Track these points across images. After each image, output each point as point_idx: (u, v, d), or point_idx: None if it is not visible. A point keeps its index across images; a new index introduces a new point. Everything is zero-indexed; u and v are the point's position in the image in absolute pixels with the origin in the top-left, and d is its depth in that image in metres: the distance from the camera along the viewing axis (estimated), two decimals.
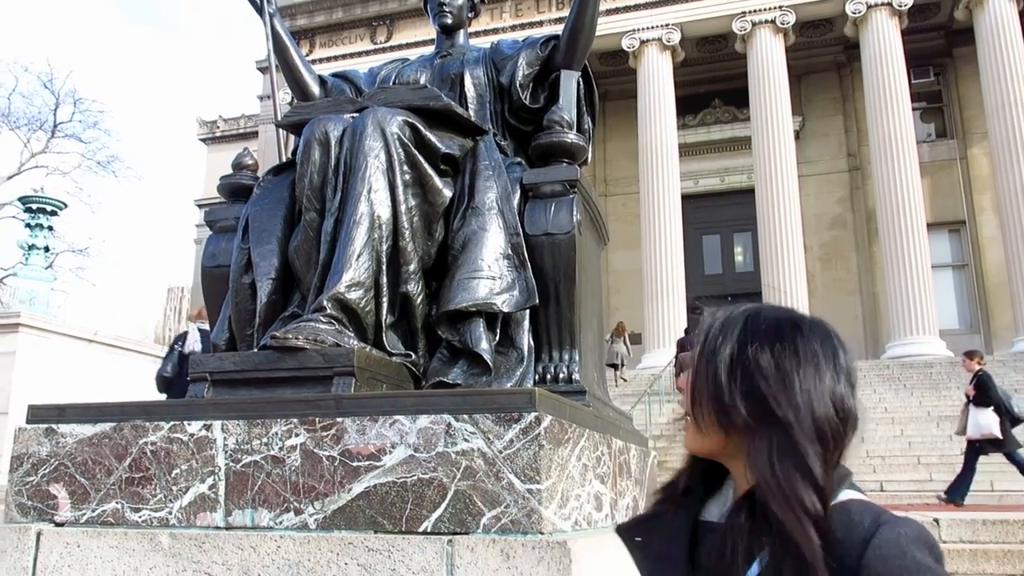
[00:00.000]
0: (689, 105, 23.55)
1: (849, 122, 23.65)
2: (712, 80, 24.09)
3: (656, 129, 21.25)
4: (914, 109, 21.09)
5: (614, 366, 18.43)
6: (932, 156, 22.38)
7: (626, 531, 1.22)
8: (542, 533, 2.18)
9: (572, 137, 3.35)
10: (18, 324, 11.29)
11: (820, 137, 23.70)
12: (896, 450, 12.00)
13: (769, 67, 20.81)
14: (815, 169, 23.24)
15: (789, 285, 19.34)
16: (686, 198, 21.87)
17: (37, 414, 2.77)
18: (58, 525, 2.61)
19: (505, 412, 2.31)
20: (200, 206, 33.55)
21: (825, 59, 23.91)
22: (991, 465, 10.77)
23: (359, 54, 23.80)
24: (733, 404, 1.05)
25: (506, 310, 3.02)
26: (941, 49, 22.99)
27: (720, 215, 23.91)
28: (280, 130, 3.83)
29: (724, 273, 24.23)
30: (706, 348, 1.10)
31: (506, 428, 2.29)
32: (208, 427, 2.54)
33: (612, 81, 24.42)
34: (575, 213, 3.17)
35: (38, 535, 2.56)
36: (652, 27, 21.82)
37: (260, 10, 4.07)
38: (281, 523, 2.40)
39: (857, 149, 23.14)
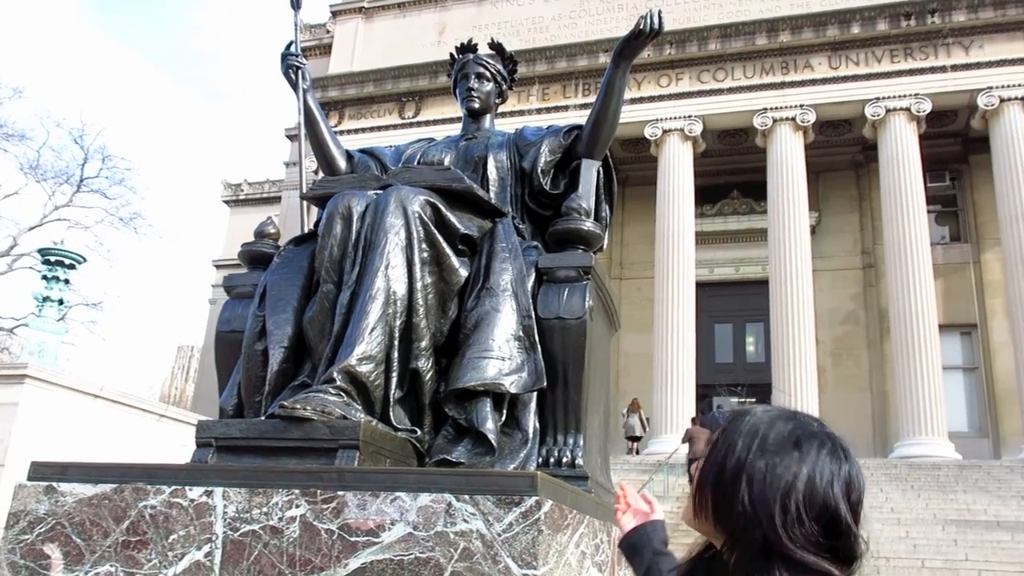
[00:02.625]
0: (707, 194, 23.84)
1: (865, 220, 23.85)
2: (731, 171, 24.42)
3: (674, 216, 21.49)
4: (929, 212, 21.27)
5: (632, 439, 20.49)
6: (946, 259, 22.48)
7: None
8: None
9: (588, 225, 3.41)
10: (24, 375, 11.27)
11: (836, 233, 23.88)
12: (901, 552, 11.74)
13: (788, 163, 21.11)
14: (830, 264, 23.34)
15: (800, 379, 19.24)
16: (700, 286, 21.95)
17: (39, 471, 2.77)
18: None
19: (506, 494, 2.30)
20: (218, 267, 33.85)
21: (843, 158, 24.26)
22: (993, 572, 10.53)
23: (387, 127, 24.34)
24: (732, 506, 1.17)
25: (514, 391, 3.04)
26: (958, 155, 23.31)
27: (733, 304, 23.96)
28: (304, 201, 3.92)
29: (735, 362, 24.15)
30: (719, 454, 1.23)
31: (506, 511, 2.28)
32: (209, 493, 2.54)
33: (633, 167, 24.79)
34: (587, 299, 3.20)
35: None
36: (675, 118, 22.26)
37: (295, 85, 4.20)
38: None
39: (872, 247, 23.28)
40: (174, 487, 2.58)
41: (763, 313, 21.44)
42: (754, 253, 23.43)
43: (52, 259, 13.53)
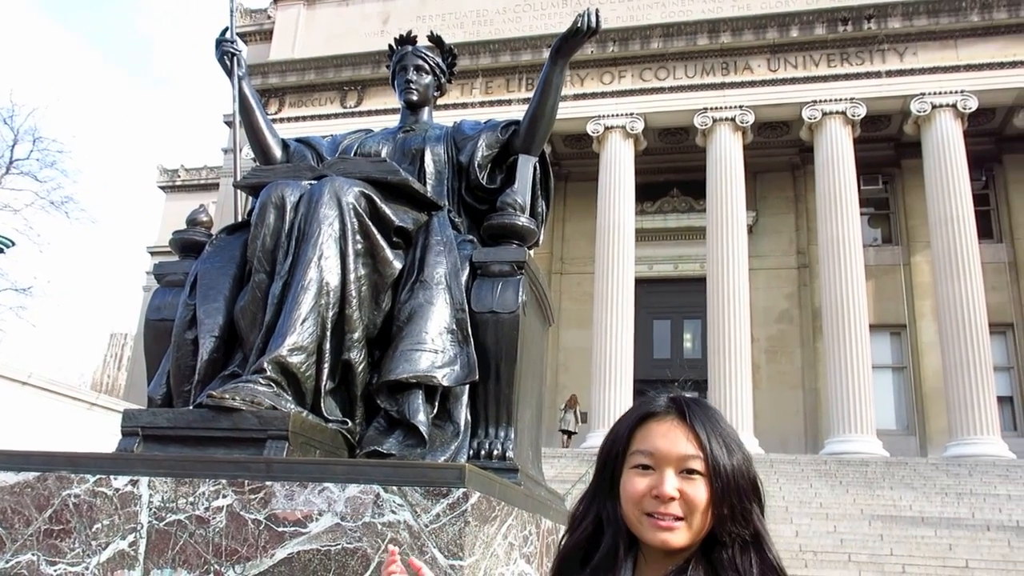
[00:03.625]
0: (648, 192, 24.13)
1: (800, 221, 24.40)
2: (672, 170, 24.75)
3: (615, 213, 21.70)
4: (862, 214, 21.86)
5: (566, 432, 21.18)
6: (878, 260, 23.14)
7: None
8: None
9: (523, 220, 3.45)
10: None
11: (772, 233, 24.38)
12: (828, 546, 12.08)
13: (727, 162, 21.48)
14: (766, 264, 23.83)
15: (735, 376, 19.62)
16: (640, 282, 22.21)
17: None
18: None
19: (434, 486, 2.33)
20: (153, 253, 33.12)
21: (781, 159, 24.77)
22: (917, 566, 10.90)
23: (328, 116, 24.06)
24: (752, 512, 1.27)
25: (446, 384, 3.06)
26: (891, 159, 23.99)
27: (672, 301, 24.30)
28: (237, 190, 3.88)
29: (672, 358, 24.51)
30: (722, 465, 1.27)
31: (434, 502, 2.31)
32: (135, 483, 2.51)
33: (575, 163, 24.97)
34: (521, 293, 3.24)
35: None
36: (617, 115, 22.45)
37: (230, 72, 4.16)
38: None
39: (807, 247, 23.82)
40: (99, 476, 2.55)
41: (701, 310, 21.80)
42: (692, 251, 23.80)
43: None
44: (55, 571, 2.48)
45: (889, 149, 23.77)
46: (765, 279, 23.61)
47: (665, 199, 25.01)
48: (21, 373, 12.18)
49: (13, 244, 13.72)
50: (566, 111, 22.23)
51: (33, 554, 2.52)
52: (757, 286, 22.61)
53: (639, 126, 22.43)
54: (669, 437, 1.27)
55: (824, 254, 20.53)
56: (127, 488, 2.52)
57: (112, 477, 2.54)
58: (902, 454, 19.09)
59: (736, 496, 1.25)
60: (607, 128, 22.46)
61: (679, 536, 1.24)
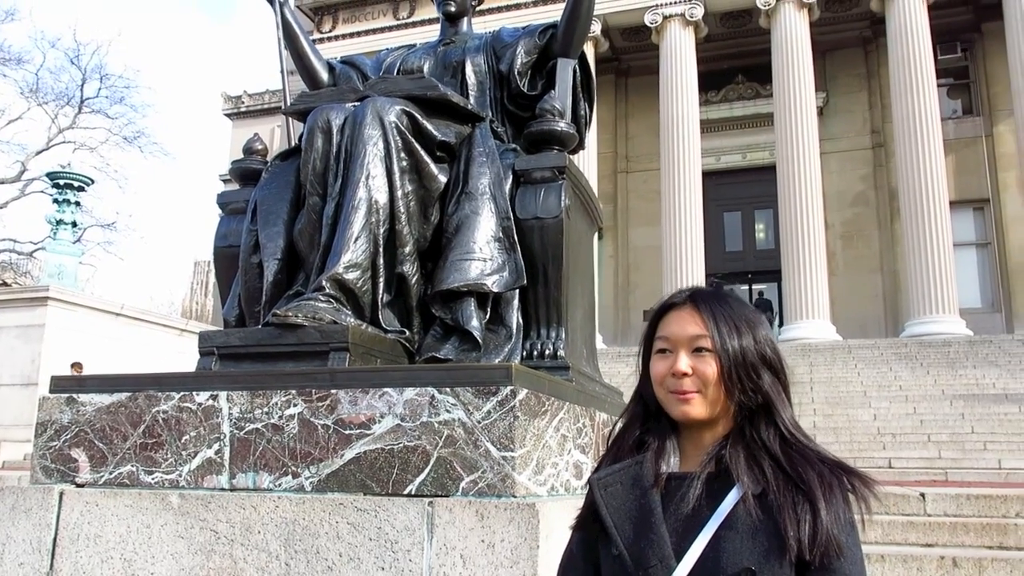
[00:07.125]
0: (712, 81, 23.46)
1: (874, 98, 23.46)
2: (735, 56, 23.96)
3: (678, 105, 21.21)
4: (940, 85, 20.88)
5: None
6: (957, 133, 22.17)
7: (599, 481, 1.43)
8: (515, 496, 2.38)
9: (562, 125, 3.50)
10: (47, 297, 11.65)
11: (844, 114, 23.54)
12: (907, 427, 12.08)
13: (793, 43, 20.67)
14: (838, 146, 23.11)
15: (810, 263, 19.34)
16: (707, 175, 21.84)
17: (59, 384, 3.00)
18: (79, 486, 2.85)
19: (484, 385, 2.49)
20: (225, 181, 33.89)
21: (851, 34, 23.70)
22: (999, 443, 10.86)
23: (382, 30, 23.91)
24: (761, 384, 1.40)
25: (496, 290, 3.20)
26: (969, 24, 22.69)
27: (741, 192, 23.88)
28: (288, 117, 4.02)
29: (745, 250, 24.26)
30: (728, 343, 1.40)
31: (484, 400, 2.48)
32: (215, 397, 2.75)
33: (634, 57, 24.38)
34: (563, 198, 3.33)
35: (61, 495, 2.79)
36: (675, 2, 21.73)
37: (271, 0, 4.24)
38: (280, 485, 2.62)
39: (881, 126, 22.96)
40: (182, 393, 2.80)
41: (772, 200, 21.37)
42: (761, 139, 23.22)
43: (61, 182, 13.70)
44: (153, 479, 2.76)
45: (968, 13, 22.47)
46: (838, 162, 22.94)
47: (730, 87, 24.31)
48: (114, 305, 12.87)
49: (93, 182, 14.27)
50: (622, 2, 21.63)
51: (132, 465, 2.80)
52: (830, 170, 22.02)
53: (699, 12, 21.68)
54: (681, 322, 1.43)
55: (900, 131, 19.76)
56: (209, 402, 2.76)
57: (194, 393, 2.78)
58: (987, 332, 18.64)
59: (743, 370, 1.38)
60: (666, 17, 21.78)
61: (696, 407, 1.39)
